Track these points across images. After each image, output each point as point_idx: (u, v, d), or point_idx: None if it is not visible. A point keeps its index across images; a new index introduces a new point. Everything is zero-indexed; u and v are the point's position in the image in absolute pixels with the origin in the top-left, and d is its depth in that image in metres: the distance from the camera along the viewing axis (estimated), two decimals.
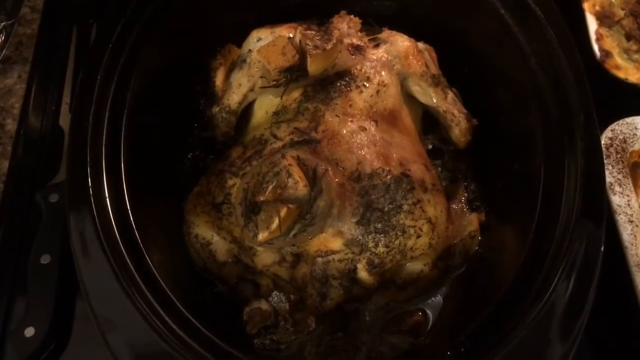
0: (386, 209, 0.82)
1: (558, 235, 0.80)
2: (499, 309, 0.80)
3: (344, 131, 0.85)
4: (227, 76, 0.95)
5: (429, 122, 0.99)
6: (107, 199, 0.78)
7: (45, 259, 0.92)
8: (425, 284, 0.88)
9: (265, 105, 0.92)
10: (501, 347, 0.72)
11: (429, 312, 0.89)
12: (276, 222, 0.78)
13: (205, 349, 0.69)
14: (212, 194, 0.86)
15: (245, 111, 0.95)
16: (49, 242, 0.93)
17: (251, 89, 0.92)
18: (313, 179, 0.80)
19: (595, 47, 1.08)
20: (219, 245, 0.86)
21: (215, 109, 0.94)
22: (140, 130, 0.88)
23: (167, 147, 0.95)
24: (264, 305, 0.84)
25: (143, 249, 0.76)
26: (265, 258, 0.85)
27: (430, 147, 0.99)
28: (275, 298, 0.88)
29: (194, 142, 1.00)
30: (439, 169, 0.98)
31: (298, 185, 0.78)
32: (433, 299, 0.90)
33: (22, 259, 0.94)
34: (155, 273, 0.74)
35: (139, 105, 0.88)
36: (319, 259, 0.82)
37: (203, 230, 0.87)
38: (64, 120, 1.08)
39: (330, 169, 0.82)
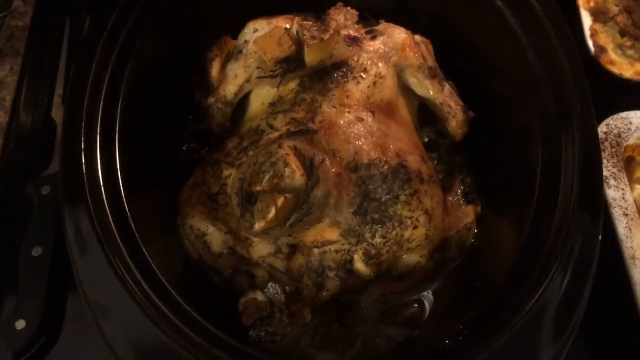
0: (383, 199, 0.81)
1: (555, 228, 0.79)
2: (495, 301, 0.79)
3: (341, 121, 0.84)
4: (223, 67, 0.95)
5: (425, 115, 0.98)
6: (102, 189, 0.77)
7: (36, 251, 0.91)
8: (421, 276, 0.87)
9: (262, 96, 0.91)
10: (499, 336, 0.71)
11: (425, 303, 0.89)
12: (273, 211, 0.77)
13: (201, 336, 0.68)
14: (208, 184, 0.86)
15: (241, 103, 0.95)
16: (41, 234, 0.92)
17: (247, 80, 0.91)
18: (310, 168, 0.80)
19: (590, 43, 1.09)
20: (214, 236, 0.85)
21: (211, 100, 0.93)
22: (135, 121, 0.87)
23: (162, 139, 0.95)
24: (259, 296, 0.83)
25: (138, 238, 0.74)
26: (260, 249, 0.84)
27: (426, 140, 0.99)
28: (271, 290, 0.87)
29: (189, 134, 0.99)
30: (435, 162, 0.98)
31: (295, 175, 0.78)
32: (429, 290, 0.89)
33: (13, 251, 0.92)
34: (151, 262, 0.73)
35: (134, 96, 0.87)
36: (316, 250, 0.82)
37: (198, 221, 0.86)
38: (57, 112, 1.07)
39: (327, 159, 0.81)
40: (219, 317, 0.82)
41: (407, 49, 0.92)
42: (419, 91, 0.94)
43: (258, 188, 0.78)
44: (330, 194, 0.80)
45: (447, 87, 0.94)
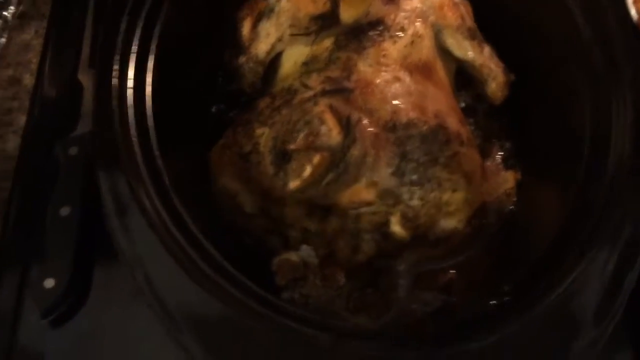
0: (422, 160, 0.79)
1: (603, 197, 0.75)
2: (534, 270, 0.77)
3: (378, 80, 0.82)
4: (254, 26, 0.92)
5: (461, 80, 0.95)
6: (136, 146, 0.75)
7: (65, 211, 0.90)
8: (458, 242, 0.85)
9: (295, 55, 0.89)
10: (543, 300, 0.69)
11: (461, 270, 0.86)
12: (308, 169, 0.75)
13: (239, 291, 0.66)
14: (239, 144, 0.84)
15: (273, 64, 0.92)
16: (69, 195, 0.91)
17: (279, 39, 0.89)
18: (346, 127, 0.77)
19: (632, 10, 1.05)
20: (246, 197, 0.83)
21: (242, 59, 0.91)
22: (165, 80, 0.85)
23: (192, 99, 0.92)
24: (293, 256, 0.81)
25: (173, 195, 0.73)
26: (294, 210, 0.82)
27: (462, 105, 0.96)
28: (304, 252, 0.84)
29: (218, 95, 0.97)
30: (472, 127, 0.95)
31: (332, 133, 0.76)
32: (466, 257, 0.87)
33: (41, 211, 0.91)
34: (186, 218, 0.71)
35: (164, 55, 0.85)
36: (352, 212, 0.80)
37: (230, 182, 0.84)
38: (83, 74, 1.05)
39: (364, 118, 0.79)
40: (251, 276, 0.81)
41: (446, 9, 0.89)
42: (458, 53, 0.91)
43: (293, 146, 0.76)
44: (367, 153, 0.78)
45: (486, 48, 0.91)
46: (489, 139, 0.94)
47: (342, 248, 0.81)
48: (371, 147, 0.78)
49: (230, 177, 0.84)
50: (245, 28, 0.93)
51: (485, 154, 0.91)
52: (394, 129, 0.79)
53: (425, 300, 0.83)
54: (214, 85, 0.97)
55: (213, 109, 0.97)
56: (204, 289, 0.67)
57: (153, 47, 0.83)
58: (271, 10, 0.91)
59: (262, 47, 0.90)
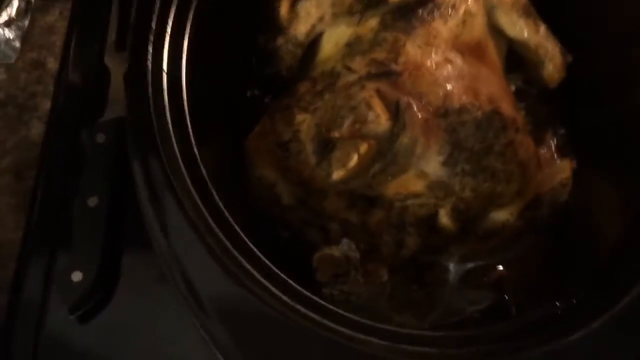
0: (476, 148, 0.73)
1: None
2: (601, 275, 0.71)
3: (428, 63, 0.76)
4: (293, 6, 0.86)
5: (511, 62, 0.89)
6: (171, 132, 0.70)
7: (92, 202, 0.85)
8: (509, 236, 0.79)
9: (336, 37, 0.83)
10: (614, 307, 0.63)
11: (512, 267, 0.81)
12: (355, 159, 0.70)
13: (277, 287, 0.61)
14: (278, 131, 0.79)
15: (311, 46, 0.87)
16: (97, 184, 0.87)
17: (320, 19, 0.84)
18: (395, 113, 0.72)
19: None
20: (284, 187, 0.79)
21: (281, 41, 0.85)
22: (200, 64, 0.80)
23: (227, 84, 0.87)
24: (335, 251, 0.76)
25: (210, 185, 0.68)
26: (335, 202, 0.77)
27: (513, 88, 0.90)
28: (345, 246, 0.79)
29: (253, 80, 0.91)
30: (523, 112, 0.88)
31: (380, 119, 0.70)
32: (518, 252, 0.81)
33: (68, 201, 0.87)
34: (223, 209, 0.66)
35: (199, 37, 0.80)
36: (397, 204, 0.74)
37: (267, 171, 0.79)
38: (110, 58, 1.00)
39: (414, 103, 0.73)
40: (289, 271, 0.76)
41: None
42: (512, 32, 0.85)
43: (337, 134, 0.71)
44: (417, 141, 0.73)
45: (542, 27, 0.85)
46: (542, 125, 0.88)
47: (387, 242, 0.75)
48: (421, 135, 0.73)
49: (267, 166, 0.79)
50: (284, 7, 0.87)
51: (538, 141, 0.84)
52: (445, 114, 0.74)
53: (474, 299, 0.78)
54: (248, 70, 0.92)
55: (247, 94, 0.91)
56: (239, 282, 0.62)
57: (188, 28, 0.78)
58: None
59: (301, 28, 0.84)
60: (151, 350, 0.82)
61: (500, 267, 0.81)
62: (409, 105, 0.73)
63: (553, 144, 0.85)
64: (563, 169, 0.82)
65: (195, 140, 0.71)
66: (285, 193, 0.79)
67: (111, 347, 0.82)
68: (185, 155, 0.69)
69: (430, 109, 0.74)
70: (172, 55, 0.76)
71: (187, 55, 0.77)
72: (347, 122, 0.71)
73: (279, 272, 0.65)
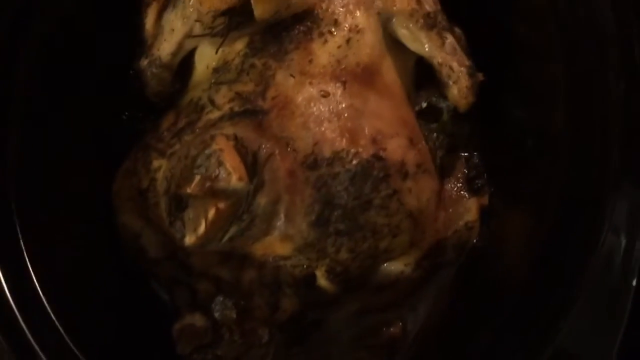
0: (350, 205, 0.62)
1: (587, 218, 0.62)
2: (503, 323, 0.63)
3: (300, 98, 0.64)
4: (159, 17, 0.73)
5: (425, 70, 0.76)
6: None
7: None
8: (406, 287, 0.70)
9: (206, 57, 0.71)
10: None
11: (411, 320, 0.72)
12: (203, 225, 0.60)
13: None
14: (138, 175, 0.69)
15: (189, 59, 0.75)
16: None
17: (187, 35, 0.71)
18: (253, 167, 0.61)
19: None
20: (151, 238, 0.70)
21: (144, 63, 0.73)
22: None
23: (96, 103, 0.76)
24: (198, 320, 0.68)
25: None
26: (205, 257, 0.68)
27: (424, 105, 0.77)
28: (218, 305, 0.71)
29: (130, 97, 0.80)
30: (435, 135, 0.77)
31: (231, 178, 0.60)
32: (418, 303, 0.72)
33: None
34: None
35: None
36: (270, 263, 0.65)
37: (131, 219, 0.70)
38: None
39: (277, 152, 0.62)
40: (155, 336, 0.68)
41: None
42: (412, 46, 0.71)
43: (188, 190, 0.61)
44: (279, 200, 0.62)
45: (449, 40, 0.70)
46: (456, 148, 0.76)
47: (260, 306, 0.67)
48: (285, 192, 0.62)
49: (131, 213, 0.70)
50: (149, 20, 0.74)
51: (447, 170, 0.73)
52: (314, 165, 0.63)
53: None
54: (125, 85, 0.80)
55: (124, 115, 0.80)
56: None
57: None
58: None
59: (165, 48, 0.72)
60: None
61: (400, 323, 0.72)
62: (272, 155, 0.62)
63: (463, 174, 0.73)
64: (469, 210, 0.71)
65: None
66: (152, 245, 0.70)
67: None
68: None
69: (298, 157, 0.63)
70: None
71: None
72: (197, 178, 0.60)
73: None
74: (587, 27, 0.64)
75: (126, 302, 0.72)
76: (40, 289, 0.61)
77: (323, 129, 0.63)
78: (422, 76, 0.76)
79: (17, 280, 0.60)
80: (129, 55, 0.78)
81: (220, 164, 0.60)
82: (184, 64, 0.75)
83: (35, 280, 0.61)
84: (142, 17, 0.75)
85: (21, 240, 0.61)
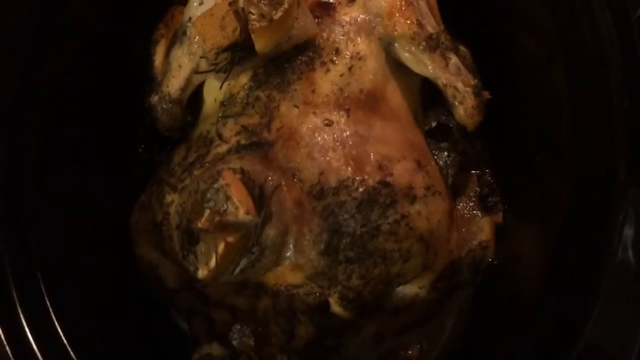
0: (358, 232, 0.63)
1: (596, 234, 0.60)
2: (518, 340, 0.62)
3: (304, 129, 0.65)
4: (168, 53, 0.75)
5: (433, 89, 0.76)
6: None
7: None
8: (422, 309, 0.70)
9: (214, 91, 0.72)
10: None
11: (429, 343, 0.71)
12: (213, 259, 0.61)
13: None
14: (153, 209, 0.70)
15: (200, 92, 0.76)
16: None
17: (194, 71, 0.72)
18: (260, 199, 0.62)
19: None
20: (168, 269, 0.71)
21: (154, 98, 0.75)
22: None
23: (112, 138, 0.78)
24: (216, 349, 0.69)
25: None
26: (219, 287, 0.69)
27: (433, 124, 0.77)
28: (236, 333, 0.72)
29: (146, 130, 0.82)
30: (445, 153, 0.76)
31: (238, 212, 0.61)
32: (435, 325, 0.72)
33: None
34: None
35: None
36: (282, 291, 0.66)
37: (148, 252, 0.72)
38: None
39: (284, 184, 0.63)
40: None
41: (396, 14, 0.68)
42: (416, 68, 0.71)
43: (199, 225, 0.62)
44: (287, 231, 0.63)
45: (452, 61, 0.70)
46: (467, 165, 0.76)
47: (276, 333, 0.67)
48: (292, 223, 0.63)
49: (147, 245, 0.72)
50: (158, 57, 0.77)
51: (459, 189, 0.73)
52: (321, 195, 0.63)
53: None
54: (138, 118, 0.82)
55: (140, 148, 0.82)
56: None
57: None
58: (184, 34, 0.73)
59: (174, 84, 0.74)
60: None
61: (418, 346, 0.71)
62: (278, 188, 0.63)
63: (475, 193, 0.73)
64: (483, 229, 0.70)
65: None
66: (170, 276, 0.72)
67: None
68: None
69: (304, 188, 0.64)
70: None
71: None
72: (206, 214, 0.62)
73: None
74: (590, 40, 0.62)
75: (148, 333, 0.73)
76: (57, 323, 0.62)
77: (328, 158, 0.64)
78: (431, 95, 0.76)
79: (37, 318, 0.61)
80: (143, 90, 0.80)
81: (227, 198, 0.61)
82: (195, 96, 0.77)
83: (53, 317, 0.63)
84: (151, 55, 0.77)
85: (41, 282, 0.62)
